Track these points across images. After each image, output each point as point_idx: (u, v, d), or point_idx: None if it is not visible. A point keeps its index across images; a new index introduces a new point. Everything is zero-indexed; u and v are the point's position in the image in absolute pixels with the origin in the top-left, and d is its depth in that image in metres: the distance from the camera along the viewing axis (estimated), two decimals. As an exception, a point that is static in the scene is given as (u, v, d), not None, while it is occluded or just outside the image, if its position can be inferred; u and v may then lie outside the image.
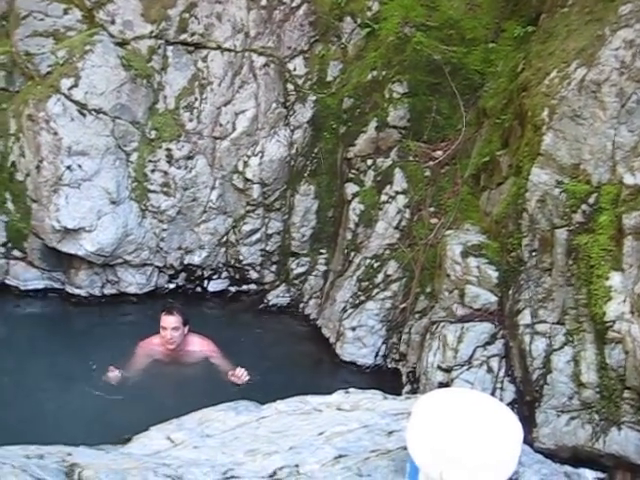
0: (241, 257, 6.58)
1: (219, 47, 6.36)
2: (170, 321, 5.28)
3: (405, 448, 1.93)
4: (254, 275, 6.68)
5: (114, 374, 5.18)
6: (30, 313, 6.18)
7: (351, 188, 6.32)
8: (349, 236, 6.23)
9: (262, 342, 6.25)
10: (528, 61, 5.33)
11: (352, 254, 6.18)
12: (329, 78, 6.67)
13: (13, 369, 5.31)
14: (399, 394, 3.75)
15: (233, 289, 6.73)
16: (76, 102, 5.83)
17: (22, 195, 6.15)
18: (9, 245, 6.25)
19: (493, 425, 1.76)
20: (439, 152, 6.14)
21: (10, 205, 6.22)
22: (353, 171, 6.36)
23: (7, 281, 6.28)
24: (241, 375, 5.20)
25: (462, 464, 1.67)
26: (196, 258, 6.48)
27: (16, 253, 6.28)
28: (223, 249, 6.58)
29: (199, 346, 5.50)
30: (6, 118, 6.12)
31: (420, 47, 6.14)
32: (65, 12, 6.10)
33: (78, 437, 2.63)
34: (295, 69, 6.61)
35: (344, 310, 5.98)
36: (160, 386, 5.35)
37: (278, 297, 6.70)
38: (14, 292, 6.28)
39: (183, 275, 6.57)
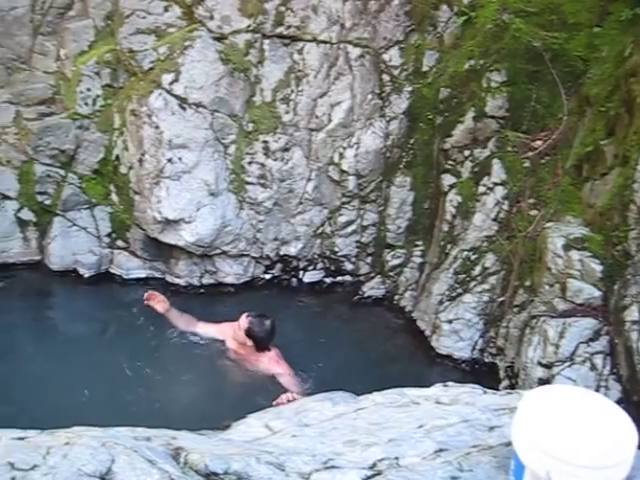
0: (336, 248, 6.60)
1: (315, 39, 6.37)
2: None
3: (508, 445, 1.88)
4: (349, 267, 6.69)
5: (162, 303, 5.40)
6: (132, 301, 6.36)
7: (448, 179, 6.22)
8: (446, 228, 6.14)
9: (357, 334, 6.27)
10: (637, 45, 5.09)
11: (449, 246, 6.09)
12: (425, 68, 6.57)
13: (116, 353, 5.52)
14: (496, 389, 3.67)
15: (328, 280, 6.75)
16: (177, 96, 5.98)
17: (125, 187, 6.37)
18: (113, 235, 6.49)
19: (605, 425, 1.69)
20: (539, 142, 5.96)
21: (114, 197, 6.46)
22: (450, 162, 6.26)
23: (111, 270, 6.53)
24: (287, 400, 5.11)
25: (571, 464, 1.61)
26: (292, 249, 6.54)
27: (119, 243, 6.51)
28: (318, 240, 6.61)
29: (269, 361, 5.35)
30: (110, 113, 6.35)
31: (519, 34, 5.96)
32: (166, 9, 6.25)
33: (178, 422, 2.71)
34: (391, 60, 6.55)
35: (440, 303, 5.91)
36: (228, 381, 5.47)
37: (373, 289, 6.68)
38: (117, 280, 6.52)
39: (279, 266, 6.64)
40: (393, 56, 6.55)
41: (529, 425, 1.71)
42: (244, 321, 5.27)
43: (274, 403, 4.46)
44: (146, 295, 5.55)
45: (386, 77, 6.56)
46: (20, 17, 6.54)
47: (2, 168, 6.35)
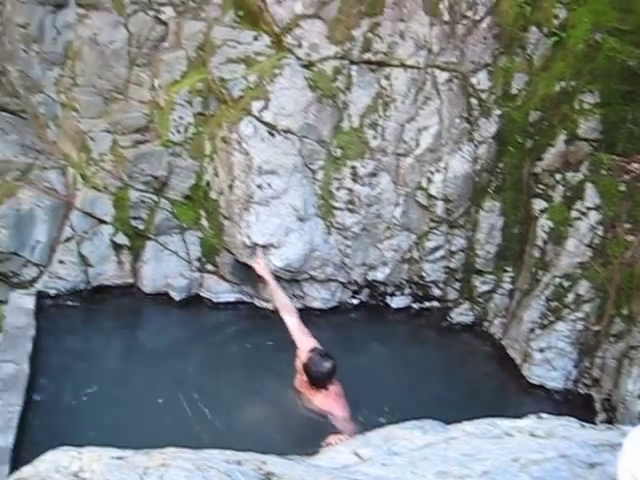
0: (424, 274, 6.53)
1: (402, 64, 6.39)
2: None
3: (611, 483, 1.80)
4: (437, 292, 6.61)
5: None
6: (221, 324, 6.48)
7: (539, 204, 6.08)
8: (537, 254, 5.99)
9: (445, 360, 6.18)
10: None
11: (540, 272, 5.93)
12: (514, 91, 6.49)
13: (203, 375, 5.61)
14: (593, 422, 3.53)
15: (416, 306, 6.69)
16: (266, 123, 6.09)
17: (215, 212, 6.51)
18: (203, 259, 6.63)
19: None
20: (635, 164, 5.76)
21: (204, 222, 6.60)
22: (541, 186, 6.13)
23: (201, 293, 6.65)
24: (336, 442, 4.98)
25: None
26: (379, 274, 6.52)
27: (209, 267, 6.64)
28: (406, 265, 6.57)
29: (324, 398, 5.12)
30: (202, 140, 6.52)
31: (613, 53, 5.81)
32: (255, 39, 6.41)
33: (266, 446, 2.71)
34: (479, 83, 6.49)
35: (532, 331, 5.75)
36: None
37: (462, 315, 6.58)
38: (207, 304, 6.63)
39: (366, 291, 6.62)
40: (481, 79, 6.49)
41: (638, 464, 1.62)
42: (305, 355, 5.11)
43: (323, 444, 4.25)
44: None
45: (474, 101, 6.50)
46: (118, 50, 6.82)
47: (99, 194, 6.60)
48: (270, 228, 6.13)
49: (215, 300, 6.61)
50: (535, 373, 5.64)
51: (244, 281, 6.55)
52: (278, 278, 6.30)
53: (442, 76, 6.44)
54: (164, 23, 6.80)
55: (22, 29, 7.04)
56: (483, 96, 6.50)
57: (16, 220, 6.38)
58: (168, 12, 6.82)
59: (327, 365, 5.03)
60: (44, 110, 7.25)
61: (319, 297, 6.47)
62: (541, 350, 5.62)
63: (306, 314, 6.46)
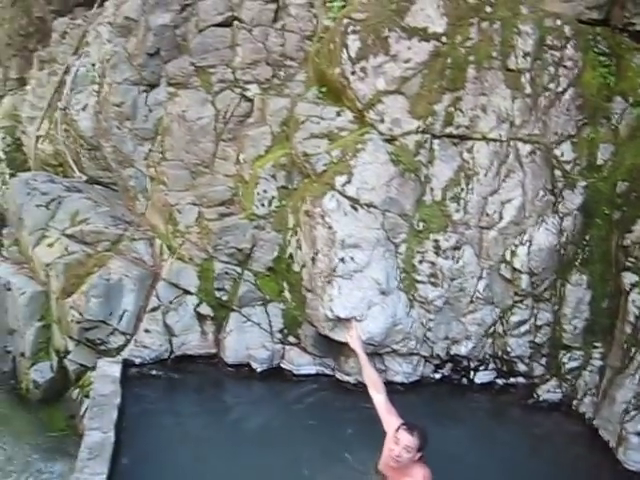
0: (509, 349, 6.39)
1: (484, 137, 6.40)
2: (406, 440, 4.83)
3: None
4: (522, 368, 6.43)
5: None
6: (302, 396, 6.45)
7: (629, 278, 5.92)
8: (629, 330, 5.80)
9: (531, 440, 5.97)
10: None
11: (633, 350, 5.73)
12: (599, 162, 6.43)
13: (284, 447, 5.57)
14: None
15: (500, 382, 6.52)
16: (349, 197, 6.16)
17: (298, 285, 6.56)
18: (285, 331, 6.66)
19: None
20: None
21: (287, 294, 6.66)
22: (631, 259, 5.97)
23: (282, 365, 6.66)
24: None
25: None
26: (462, 349, 6.41)
27: (291, 339, 6.66)
28: (490, 340, 6.44)
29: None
30: (285, 214, 6.64)
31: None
32: (338, 114, 6.54)
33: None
34: (562, 155, 6.44)
35: (626, 412, 5.53)
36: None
37: (549, 392, 6.38)
38: (288, 376, 6.63)
39: (449, 365, 6.51)
40: (565, 151, 6.45)
41: None
42: (409, 438, 4.82)
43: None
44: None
45: (558, 172, 6.45)
46: (205, 126, 7.10)
47: (185, 265, 6.76)
48: (352, 301, 6.13)
49: (296, 372, 6.60)
50: (632, 458, 5.37)
51: (326, 354, 6.54)
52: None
53: (525, 148, 6.41)
54: (249, 100, 7.06)
55: (117, 108, 7.45)
56: (567, 167, 6.44)
57: (106, 289, 6.59)
58: (253, 89, 7.09)
59: (413, 439, 4.82)
60: (134, 183, 7.58)
61: (401, 371, 6.38)
62: (638, 433, 5.38)
63: (388, 388, 6.38)
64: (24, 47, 11.50)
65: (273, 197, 6.68)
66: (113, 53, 7.63)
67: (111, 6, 8.14)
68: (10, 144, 11.62)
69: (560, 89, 6.43)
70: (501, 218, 6.35)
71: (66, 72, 8.70)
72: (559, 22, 6.49)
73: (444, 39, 6.40)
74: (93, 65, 8.18)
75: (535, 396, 6.40)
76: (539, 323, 6.36)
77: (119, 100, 7.43)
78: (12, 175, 10.56)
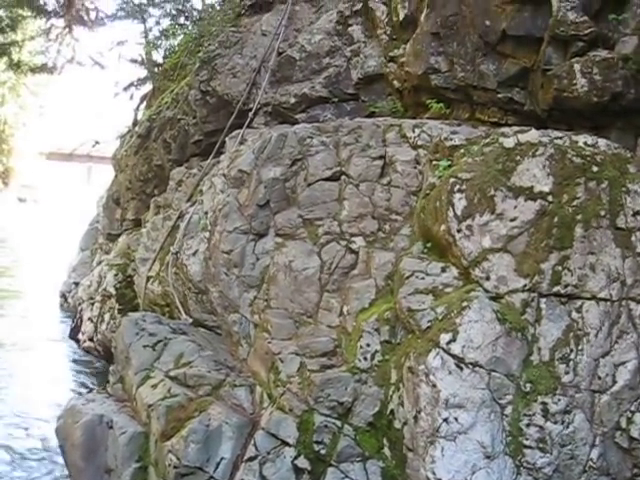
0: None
1: (594, 297, 6.24)
2: None
3: None
4: None
5: None
6: None
7: None
8: None
9: None
10: None
11: None
12: None
13: None
14: None
15: None
16: (454, 356, 6.05)
17: (399, 443, 6.37)
18: (384, 488, 6.44)
19: None
20: None
21: (387, 451, 6.47)
22: None
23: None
24: None
25: None
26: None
27: (394, 498, 6.43)
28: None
29: None
30: (388, 369, 6.56)
31: None
32: (443, 270, 6.57)
33: None
34: (680, 315, 6.19)
35: None
36: None
37: None
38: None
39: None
40: (680, 307, 6.21)
41: None
42: None
43: None
44: None
45: (675, 335, 6.16)
46: (310, 276, 7.26)
47: (284, 415, 6.71)
48: (456, 465, 5.88)
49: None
50: None
51: (426, 518, 6.24)
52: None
53: (638, 309, 6.21)
54: (355, 252, 7.20)
55: (226, 255, 7.76)
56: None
57: (205, 435, 6.59)
58: (358, 242, 7.24)
59: None
60: (238, 329, 7.74)
61: None
62: None
63: None
64: (142, 191, 12.35)
65: (376, 351, 6.64)
66: (225, 203, 8.03)
67: (226, 159, 8.66)
68: (121, 281, 12.25)
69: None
70: (614, 382, 6.06)
71: (180, 218, 9.22)
72: (669, 181, 6.44)
73: (550, 198, 6.43)
74: (206, 213, 8.63)
75: None
76: (662, 497, 5.92)
77: (228, 248, 7.74)
78: (120, 311, 11.04)
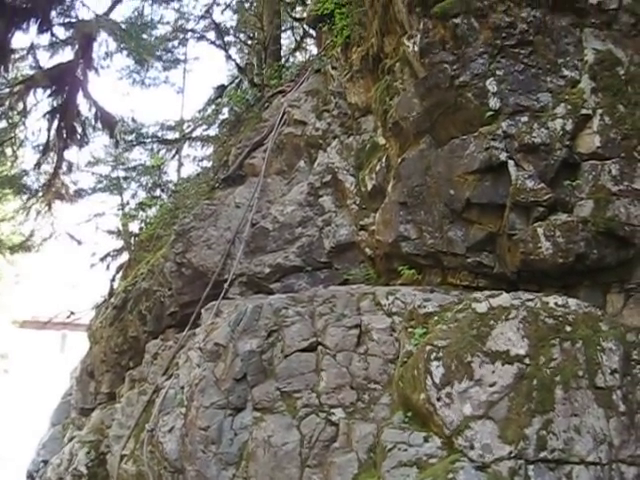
0: None
1: (582, 461, 6.10)
2: None
3: None
4: None
5: None
6: None
7: None
8: None
9: None
10: None
11: None
12: None
13: None
14: None
15: None
16: None
17: None
18: None
19: None
20: None
21: None
22: None
23: None
24: None
25: None
26: None
27: None
28: None
29: None
30: None
31: None
32: (425, 440, 6.40)
33: None
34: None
35: None
36: None
37: None
38: None
39: None
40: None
41: None
42: None
43: None
44: None
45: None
46: (290, 451, 7.03)
47: None
48: None
49: None
50: None
51: None
52: None
53: (630, 471, 6.06)
54: (335, 424, 7.04)
55: (203, 431, 7.54)
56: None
57: None
58: (338, 413, 7.11)
59: None
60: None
61: None
62: None
63: None
64: (117, 364, 12.13)
65: None
66: (202, 377, 7.90)
67: (202, 332, 8.61)
68: (93, 459, 11.76)
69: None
70: None
71: (155, 392, 9.00)
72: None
73: (527, 360, 6.43)
74: (182, 388, 8.45)
75: None
76: None
77: (205, 424, 7.53)
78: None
